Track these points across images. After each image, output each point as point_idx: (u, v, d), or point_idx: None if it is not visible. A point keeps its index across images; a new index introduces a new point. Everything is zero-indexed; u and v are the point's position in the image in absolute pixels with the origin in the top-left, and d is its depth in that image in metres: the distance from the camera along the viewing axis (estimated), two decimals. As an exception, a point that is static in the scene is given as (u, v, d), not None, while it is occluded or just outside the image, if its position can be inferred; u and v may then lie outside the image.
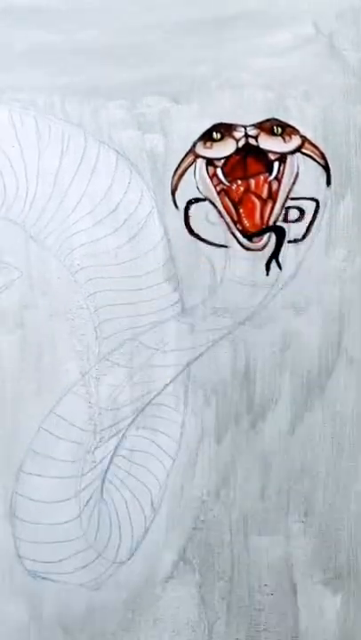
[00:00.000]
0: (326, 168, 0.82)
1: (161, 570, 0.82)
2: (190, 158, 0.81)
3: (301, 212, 0.82)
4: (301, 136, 0.82)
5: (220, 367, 0.82)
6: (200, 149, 0.81)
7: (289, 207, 0.82)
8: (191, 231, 0.82)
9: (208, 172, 0.81)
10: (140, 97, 0.81)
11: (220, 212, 0.81)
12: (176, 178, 0.81)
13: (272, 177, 0.81)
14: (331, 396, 0.82)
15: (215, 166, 0.81)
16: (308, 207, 0.82)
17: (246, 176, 0.81)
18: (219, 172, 0.81)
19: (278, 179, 0.81)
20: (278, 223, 0.81)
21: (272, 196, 0.81)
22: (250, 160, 0.81)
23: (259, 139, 0.81)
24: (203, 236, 0.82)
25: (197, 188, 0.82)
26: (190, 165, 0.81)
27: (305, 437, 0.82)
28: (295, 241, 0.81)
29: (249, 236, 0.81)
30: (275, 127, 0.81)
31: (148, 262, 0.81)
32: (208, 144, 0.81)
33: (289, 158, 0.82)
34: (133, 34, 0.81)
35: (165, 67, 0.81)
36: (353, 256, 0.82)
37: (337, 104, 0.82)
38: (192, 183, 0.82)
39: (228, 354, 0.82)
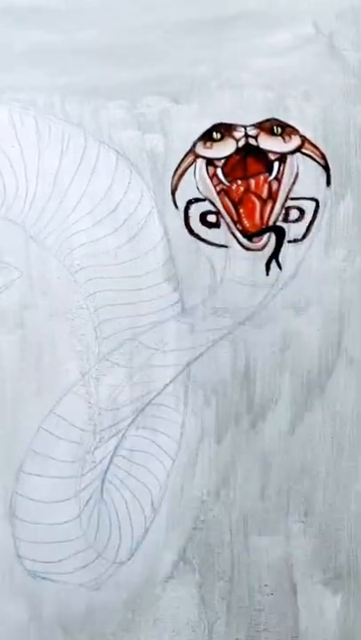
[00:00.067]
0: (326, 168, 0.82)
1: (161, 570, 0.82)
2: (190, 158, 0.81)
3: (301, 212, 0.82)
4: (301, 136, 0.82)
5: (220, 367, 0.82)
6: (200, 149, 0.81)
7: (289, 207, 0.82)
8: (191, 231, 0.82)
9: (208, 172, 0.81)
10: (140, 97, 0.81)
11: (220, 212, 0.81)
12: (176, 178, 0.81)
13: (272, 177, 0.81)
14: (331, 396, 0.82)
15: (215, 166, 0.81)
16: (308, 207, 0.82)
17: (246, 176, 0.81)
18: (219, 171, 0.81)
19: (278, 179, 0.81)
20: (278, 223, 0.81)
21: (272, 196, 0.81)
22: (250, 160, 0.81)
23: (259, 139, 0.81)
24: (203, 236, 0.82)
25: (197, 188, 0.82)
26: (190, 165, 0.81)
27: (305, 437, 0.82)
28: (295, 241, 0.81)
29: (249, 236, 0.81)
30: (275, 127, 0.81)
31: (148, 262, 0.81)
32: (208, 144, 0.81)
33: (289, 158, 0.82)
34: (133, 34, 0.81)
35: (165, 67, 0.81)
36: (353, 256, 0.82)
37: (337, 104, 0.82)
38: (192, 183, 0.82)
39: (228, 354, 0.82)
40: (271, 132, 0.81)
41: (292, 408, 0.82)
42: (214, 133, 0.81)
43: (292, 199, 0.82)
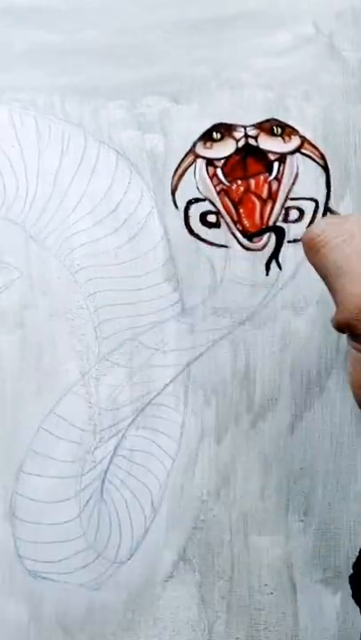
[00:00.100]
0: (326, 168, 0.82)
1: (161, 570, 0.82)
2: (190, 158, 0.82)
3: (301, 212, 0.82)
4: (301, 136, 0.82)
5: (220, 367, 0.82)
6: (200, 149, 0.81)
7: (289, 207, 0.82)
8: (191, 231, 0.82)
9: (208, 172, 0.81)
10: (140, 97, 0.81)
11: (220, 212, 0.81)
12: (176, 178, 0.82)
13: (272, 177, 0.81)
14: (331, 396, 0.82)
15: (215, 166, 0.81)
16: (308, 207, 0.82)
17: (246, 176, 0.81)
18: (219, 172, 0.81)
19: (278, 179, 0.81)
20: (278, 223, 0.82)
21: (272, 197, 0.81)
22: (250, 160, 0.81)
23: (259, 139, 0.81)
24: (203, 236, 0.82)
25: (197, 188, 0.82)
26: (190, 165, 0.82)
27: (305, 437, 0.82)
28: (295, 241, 0.82)
29: (249, 236, 0.82)
30: (275, 127, 0.81)
31: (148, 262, 0.81)
32: (208, 144, 0.81)
33: (289, 158, 0.82)
34: (133, 34, 0.81)
35: (165, 67, 0.81)
36: (353, 256, 0.82)
37: (337, 104, 0.82)
38: (192, 183, 0.82)
39: (228, 354, 0.82)
40: (271, 133, 0.81)
41: (291, 408, 0.82)
42: (214, 133, 0.81)
43: (292, 199, 0.82)
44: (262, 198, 0.81)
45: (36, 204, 0.81)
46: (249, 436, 0.82)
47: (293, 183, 0.82)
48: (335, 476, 0.82)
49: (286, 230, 0.82)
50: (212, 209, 0.82)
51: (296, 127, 0.82)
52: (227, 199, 0.81)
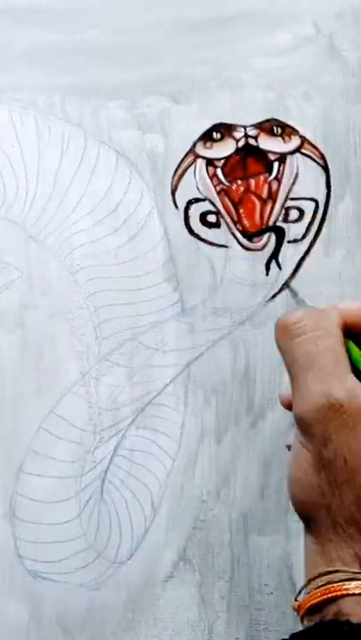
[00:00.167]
0: (326, 168, 0.82)
1: (161, 570, 0.82)
2: (190, 158, 0.82)
3: (301, 212, 0.82)
4: (301, 136, 0.82)
5: (220, 367, 0.82)
6: (200, 149, 0.81)
7: (289, 207, 0.82)
8: (191, 231, 0.82)
9: (208, 172, 0.81)
10: (140, 97, 0.81)
11: (220, 212, 0.81)
12: (176, 178, 0.82)
13: (272, 177, 0.81)
14: (331, 396, 0.82)
15: (215, 166, 0.81)
16: (308, 207, 0.82)
17: (246, 176, 0.81)
18: (219, 172, 0.81)
19: (278, 179, 0.81)
20: (278, 223, 0.82)
21: (272, 197, 0.81)
22: (250, 160, 0.81)
23: (259, 139, 0.81)
24: (203, 236, 0.82)
25: (197, 188, 0.82)
26: (190, 165, 0.82)
27: (305, 437, 0.82)
28: (295, 241, 0.82)
29: (249, 236, 0.82)
30: (275, 127, 0.81)
31: (148, 262, 0.81)
32: (208, 144, 0.81)
33: (288, 158, 0.82)
34: (133, 34, 0.81)
35: (165, 67, 0.81)
36: (353, 256, 0.82)
37: (337, 104, 0.82)
38: (192, 183, 0.82)
39: (228, 354, 0.82)
40: (271, 133, 0.81)
41: (291, 408, 0.82)
42: (214, 133, 0.81)
43: (292, 199, 0.82)
44: (262, 198, 0.81)
45: (36, 204, 0.81)
46: (249, 436, 0.82)
47: (293, 183, 0.82)
48: (335, 476, 0.82)
49: (286, 230, 0.82)
50: (212, 209, 0.82)
51: (296, 127, 0.82)
52: (227, 199, 0.81)
